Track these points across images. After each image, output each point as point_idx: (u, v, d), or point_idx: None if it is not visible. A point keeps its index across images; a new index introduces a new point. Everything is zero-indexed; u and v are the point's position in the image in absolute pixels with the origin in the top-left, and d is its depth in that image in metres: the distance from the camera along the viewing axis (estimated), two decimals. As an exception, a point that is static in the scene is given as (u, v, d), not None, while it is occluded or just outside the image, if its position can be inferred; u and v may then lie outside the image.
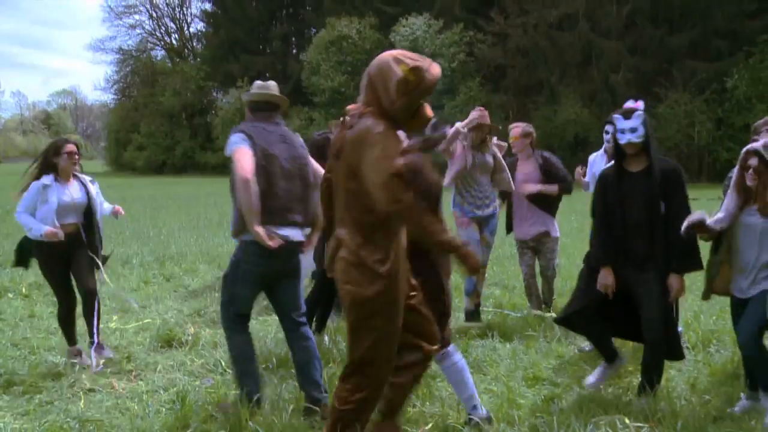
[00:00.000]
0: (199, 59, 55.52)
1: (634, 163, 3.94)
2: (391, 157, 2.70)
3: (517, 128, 6.01)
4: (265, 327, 5.69)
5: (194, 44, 59.80)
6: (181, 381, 4.35)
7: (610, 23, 37.09)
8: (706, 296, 3.95)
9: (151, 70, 55.93)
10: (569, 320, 4.19)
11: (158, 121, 51.78)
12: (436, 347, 3.16)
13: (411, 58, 2.87)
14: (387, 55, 2.92)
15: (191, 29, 60.16)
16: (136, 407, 3.86)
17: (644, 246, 3.86)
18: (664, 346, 3.84)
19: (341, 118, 3.01)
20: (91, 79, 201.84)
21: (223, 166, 41.59)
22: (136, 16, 58.30)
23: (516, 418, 3.60)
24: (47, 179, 4.72)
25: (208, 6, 57.20)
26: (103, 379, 4.43)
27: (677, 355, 3.94)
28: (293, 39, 54.16)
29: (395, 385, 3.07)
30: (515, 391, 3.99)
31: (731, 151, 32.37)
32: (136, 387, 4.28)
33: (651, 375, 3.87)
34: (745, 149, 3.68)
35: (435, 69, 2.91)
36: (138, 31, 58.57)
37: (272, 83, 3.99)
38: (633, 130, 3.84)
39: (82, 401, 4.01)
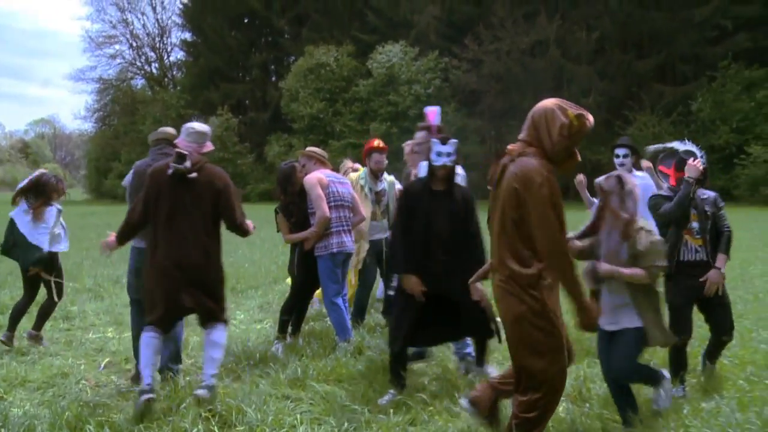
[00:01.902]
0: (179, 88, 56.16)
1: (438, 183, 4.49)
2: (556, 204, 3.18)
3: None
4: (245, 331, 6.34)
5: (174, 73, 60.54)
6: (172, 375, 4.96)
7: (580, 49, 38.36)
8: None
9: (132, 99, 56.52)
10: (412, 340, 4.51)
11: (139, 149, 51.98)
12: None
13: (572, 107, 3.25)
14: (551, 102, 3.30)
15: (171, 58, 61.04)
16: (136, 395, 4.48)
17: (446, 256, 4.38)
18: (490, 333, 4.50)
19: (498, 155, 3.41)
20: (70, 108, 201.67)
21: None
22: (117, 46, 59.12)
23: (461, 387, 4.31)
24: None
25: (187, 35, 58.17)
26: (105, 377, 5.06)
27: (491, 335, 4.53)
28: (272, 67, 55.05)
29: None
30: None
31: (698, 171, 33.62)
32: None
33: (482, 355, 4.70)
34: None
35: (591, 118, 3.28)
36: (118, 60, 59.32)
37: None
38: (448, 155, 4.40)
39: (89, 393, 4.64)
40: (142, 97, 56.73)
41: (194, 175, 4.37)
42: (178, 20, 58.64)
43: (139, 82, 60.55)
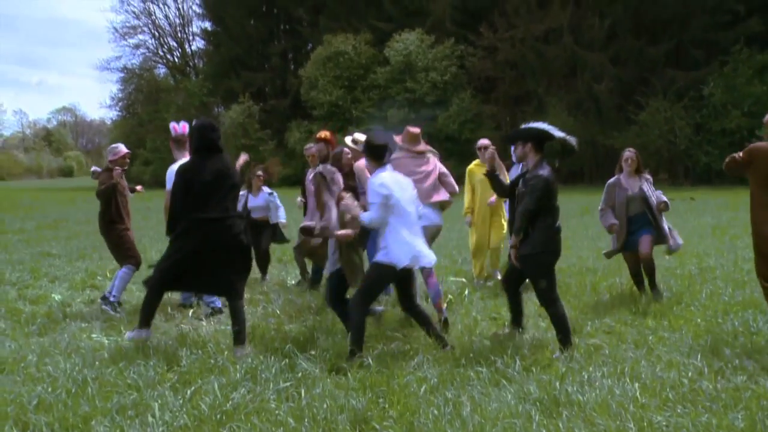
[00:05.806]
0: (201, 76, 57.47)
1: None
2: None
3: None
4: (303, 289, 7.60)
5: (196, 62, 61.92)
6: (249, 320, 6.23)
7: (593, 36, 39.09)
8: None
9: (155, 88, 57.99)
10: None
11: (163, 137, 53.55)
12: None
13: None
14: None
15: (192, 47, 62.44)
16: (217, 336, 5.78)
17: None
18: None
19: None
20: (93, 97, 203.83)
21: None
22: (140, 36, 60.59)
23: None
24: None
25: (208, 25, 59.46)
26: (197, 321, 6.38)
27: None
28: (291, 55, 56.13)
29: None
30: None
31: (709, 154, 34.30)
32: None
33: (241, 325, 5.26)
34: None
35: None
36: (142, 50, 60.79)
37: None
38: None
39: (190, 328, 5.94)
40: (165, 85, 58.26)
41: None
42: (199, 10, 60.00)
43: (161, 71, 62.11)
